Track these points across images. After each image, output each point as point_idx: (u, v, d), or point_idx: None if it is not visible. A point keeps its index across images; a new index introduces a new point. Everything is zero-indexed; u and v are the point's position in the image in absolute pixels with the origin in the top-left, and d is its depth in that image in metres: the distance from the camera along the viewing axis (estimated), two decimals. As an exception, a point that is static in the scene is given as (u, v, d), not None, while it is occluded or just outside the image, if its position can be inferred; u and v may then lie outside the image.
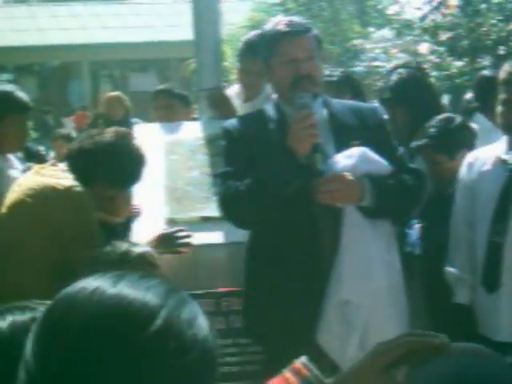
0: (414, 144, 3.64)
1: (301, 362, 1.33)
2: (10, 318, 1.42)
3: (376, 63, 12.26)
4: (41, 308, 1.42)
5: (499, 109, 3.08)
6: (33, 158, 4.94)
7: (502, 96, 3.07)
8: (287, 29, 2.99)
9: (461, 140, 3.36)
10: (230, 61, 14.30)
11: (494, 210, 3.06)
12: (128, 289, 1.06)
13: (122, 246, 2.64)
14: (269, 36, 3.07)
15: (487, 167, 3.15)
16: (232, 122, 3.16)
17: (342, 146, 2.94)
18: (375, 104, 3.41)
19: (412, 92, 3.99)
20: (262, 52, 3.12)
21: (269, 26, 3.13)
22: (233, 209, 2.98)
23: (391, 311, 2.97)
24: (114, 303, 1.03)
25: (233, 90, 4.79)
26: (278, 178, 2.85)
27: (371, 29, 13.86)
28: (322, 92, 3.12)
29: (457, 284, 3.22)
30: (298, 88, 2.92)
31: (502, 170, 3.09)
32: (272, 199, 2.88)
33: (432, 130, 3.57)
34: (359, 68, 13.96)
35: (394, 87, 4.06)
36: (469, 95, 5.53)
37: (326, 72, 3.91)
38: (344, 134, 2.98)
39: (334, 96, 3.34)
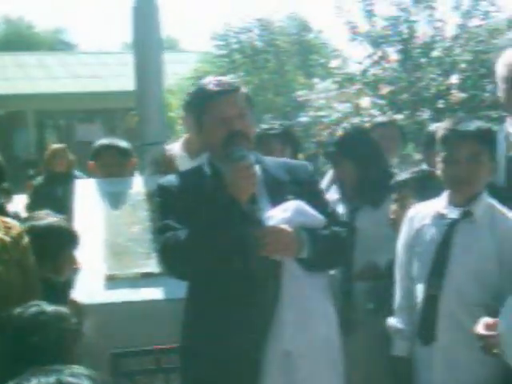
0: (395, 180, 3.71)
1: None
2: (34, 381, 1.47)
3: (320, 113, 12.41)
4: (66, 371, 1.45)
5: (439, 166, 3.14)
6: None
7: (441, 153, 3.14)
8: (217, 88, 3.03)
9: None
10: (176, 112, 14.37)
11: (431, 263, 3.11)
12: None
13: (35, 305, 2.60)
14: (199, 96, 3.10)
15: (426, 221, 3.20)
16: (167, 179, 3.16)
17: (276, 200, 2.97)
18: (304, 161, 3.47)
19: (357, 146, 4.06)
20: (193, 111, 3.14)
21: (198, 86, 3.17)
22: (173, 258, 2.96)
23: (330, 362, 3.01)
24: None
25: (177, 146, 4.84)
26: (218, 225, 2.86)
27: (315, 80, 14.06)
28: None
29: (396, 336, 3.25)
30: (231, 144, 2.96)
31: (441, 224, 3.14)
32: (212, 246, 2.87)
33: (415, 175, 3.65)
34: (304, 118, 14.11)
35: (339, 141, 4.14)
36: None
37: None
38: (277, 189, 3.02)
39: None
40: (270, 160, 3.19)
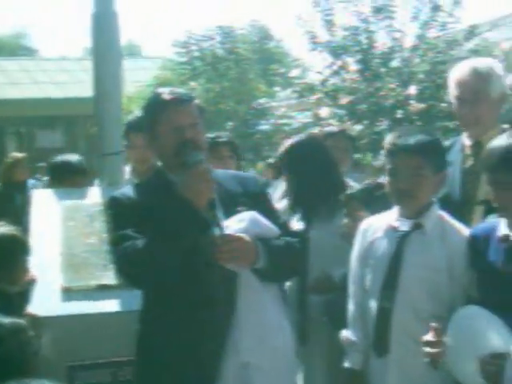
0: (343, 194, 3.79)
1: None
2: None
3: (282, 121, 12.48)
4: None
5: (386, 178, 3.18)
6: None
7: (387, 166, 3.17)
8: (171, 97, 3.05)
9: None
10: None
11: (383, 275, 3.14)
12: None
13: None
14: (152, 105, 3.12)
15: (379, 234, 3.22)
16: (120, 191, 3.16)
17: (229, 212, 2.99)
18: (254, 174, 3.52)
19: (302, 160, 4.07)
20: (146, 122, 3.15)
21: (152, 95, 3.19)
22: (132, 267, 2.94)
23: (286, 374, 3.04)
24: None
25: (127, 171, 4.85)
26: (176, 230, 2.85)
27: (276, 88, 14.13)
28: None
29: (349, 348, 3.27)
30: (184, 153, 2.97)
31: (392, 237, 3.17)
32: (171, 252, 2.86)
33: (364, 187, 3.71)
34: (265, 126, 14.17)
35: (282, 154, 4.16)
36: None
37: None
38: (230, 200, 3.03)
39: None
40: (221, 172, 3.21)
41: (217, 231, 2.89)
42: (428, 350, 2.79)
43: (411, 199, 3.11)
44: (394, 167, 3.11)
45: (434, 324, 2.81)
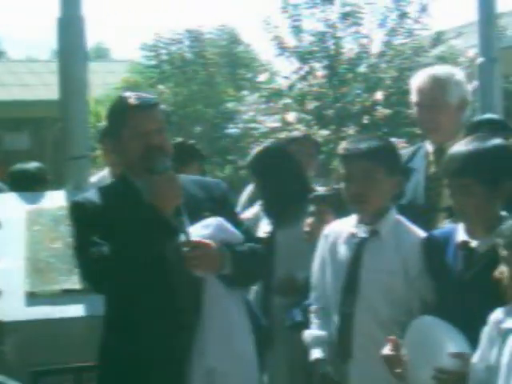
0: (313, 194, 3.83)
1: None
2: None
3: (250, 125, 12.48)
4: None
5: (342, 184, 3.21)
6: None
7: (341, 171, 3.21)
8: (137, 102, 3.04)
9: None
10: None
11: (343, 281, 3.15)
12: None
13: None
14: (119, 109, 3.10)
15: (339, 240, 3.25)
16: (82, 196, 3.13)
17: (193, 217, 2.98)
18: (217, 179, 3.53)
19: (266, 166, 4.11)
20: (112, 126, 3.14)
21: (118, 100, 3.17)
22: (98, 274, 2.93)
23: (251, 378, 3.05)
24: None
25: (103, 173, 4.84)
26: (143, 237, 2.85)
27: (245, 92, 14.13)
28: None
29: (313, 342, 3.24)
30: (149, 158, 2.96)
31: (351, 243, 3.19)
32: (138, 259, 2.86)
33: (333, 191, 3.73)
34: (234, 130, 14.16)
35: (250, 162, 4.20)
36: None
37: None
38: (194, 206, 3.02)
39: None
40: (184, 177, 3.18)
41: (183, 237, 2.89)
42: (388, 365, 2.82)
43: (364, 204, 3.14)
44: (346, 172, 3.16)
45: (390, 337, 2.85)
